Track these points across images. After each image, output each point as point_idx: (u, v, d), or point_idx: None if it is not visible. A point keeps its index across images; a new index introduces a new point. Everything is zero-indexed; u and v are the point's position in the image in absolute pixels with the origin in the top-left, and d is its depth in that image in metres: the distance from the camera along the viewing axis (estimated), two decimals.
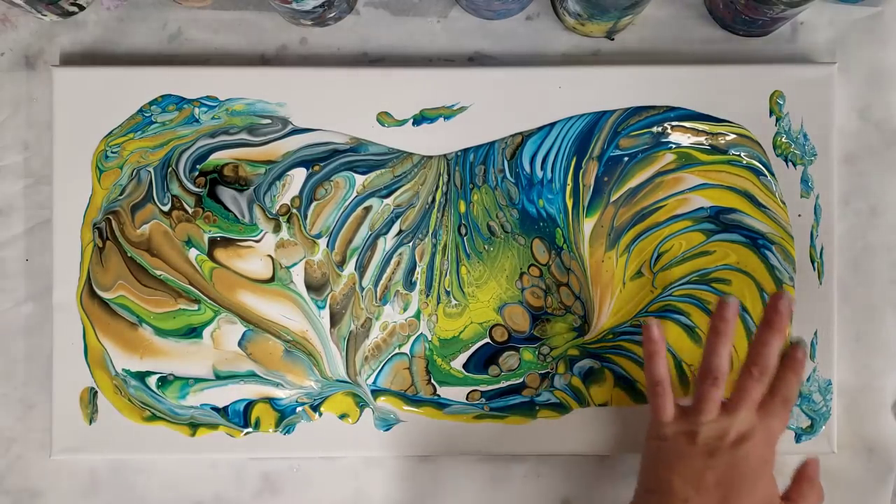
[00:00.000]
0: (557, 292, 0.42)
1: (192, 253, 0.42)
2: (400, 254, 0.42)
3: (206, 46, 0.45)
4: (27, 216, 0.44)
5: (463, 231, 0.42)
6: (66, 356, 0.42)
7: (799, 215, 0.42)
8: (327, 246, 0.42)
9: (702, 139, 0.42)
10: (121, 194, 0.42)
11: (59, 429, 0.41)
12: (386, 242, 0.42)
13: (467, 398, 0.42)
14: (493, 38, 0.44)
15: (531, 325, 0.42)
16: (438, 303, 0.42)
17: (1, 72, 0.45)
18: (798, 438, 0.42)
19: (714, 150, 0.42)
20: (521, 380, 0.42)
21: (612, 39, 0.44)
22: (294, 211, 0.42)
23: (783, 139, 0.42)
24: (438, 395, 0.42)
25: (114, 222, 0.42)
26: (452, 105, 0.42)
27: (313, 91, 0.42)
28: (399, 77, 0.42)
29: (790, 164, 0.42)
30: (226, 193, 0.42)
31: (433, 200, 0.42)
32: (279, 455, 0.43)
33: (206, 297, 0.42)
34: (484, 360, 0.42)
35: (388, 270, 0.42)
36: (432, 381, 0.42)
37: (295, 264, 0.42)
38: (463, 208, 0.42)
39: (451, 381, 0.42)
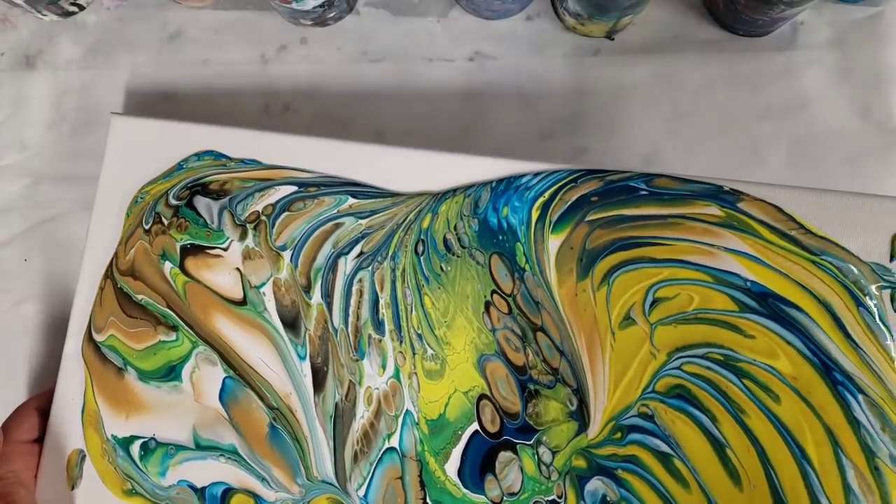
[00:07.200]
0: (535, 341, 0.34)
1: (167, 267, 0.39)
2: (360, 280, 0.38)
3: (207, 46, 0.45)
4: (26, 216, 0.44)
5: (420, 249, 0.37)
6: (64, 412, 0.39)
7: None
8: (290, 261, 0.38)
9: (782, 226, 0.32)
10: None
11: (43, 490, 0.37)
12: (346, 264, 0.38)
13: None
14: (493, 38, 0.44)
15: (521, 399, 0.34)
16: (414, 353, 0.36)
17: (1, 72, 0.45)
18: None
19: (793, 241, 0.32)
20: None
21: (613, 39, 0.44)
22: (263, 219, 0.39)
23: None
24: None
25: (113, 259, 0.40)
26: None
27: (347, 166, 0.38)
28: (416, 158, 0.38)
29: None
30: (201, 202, 0.39)
31: (404, 220, 0.38)
32: None
33: (182, 322, 0.38)
34: (479, 461, 0.35)
35: (353, 303, 0.37)
36: (428, 501, 0.35)
37: (263, 283, 0.38)
38: (427, 223, 0.37)
39: (446, 501, 0.34)
